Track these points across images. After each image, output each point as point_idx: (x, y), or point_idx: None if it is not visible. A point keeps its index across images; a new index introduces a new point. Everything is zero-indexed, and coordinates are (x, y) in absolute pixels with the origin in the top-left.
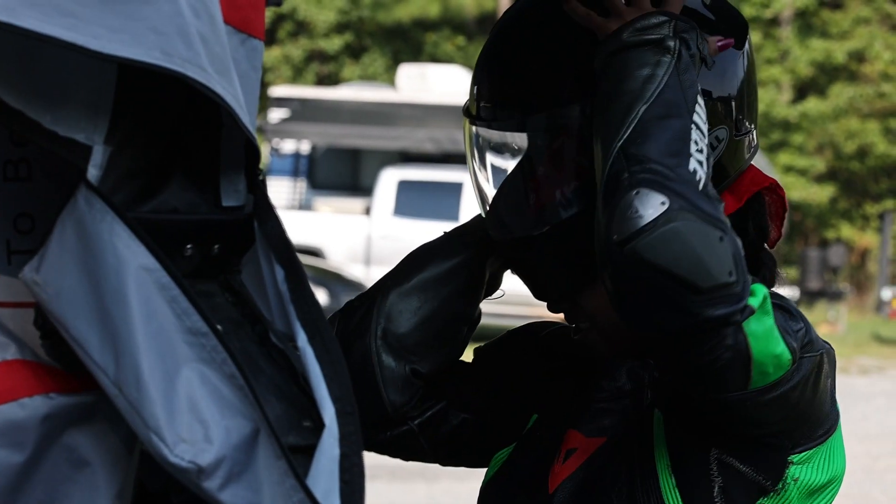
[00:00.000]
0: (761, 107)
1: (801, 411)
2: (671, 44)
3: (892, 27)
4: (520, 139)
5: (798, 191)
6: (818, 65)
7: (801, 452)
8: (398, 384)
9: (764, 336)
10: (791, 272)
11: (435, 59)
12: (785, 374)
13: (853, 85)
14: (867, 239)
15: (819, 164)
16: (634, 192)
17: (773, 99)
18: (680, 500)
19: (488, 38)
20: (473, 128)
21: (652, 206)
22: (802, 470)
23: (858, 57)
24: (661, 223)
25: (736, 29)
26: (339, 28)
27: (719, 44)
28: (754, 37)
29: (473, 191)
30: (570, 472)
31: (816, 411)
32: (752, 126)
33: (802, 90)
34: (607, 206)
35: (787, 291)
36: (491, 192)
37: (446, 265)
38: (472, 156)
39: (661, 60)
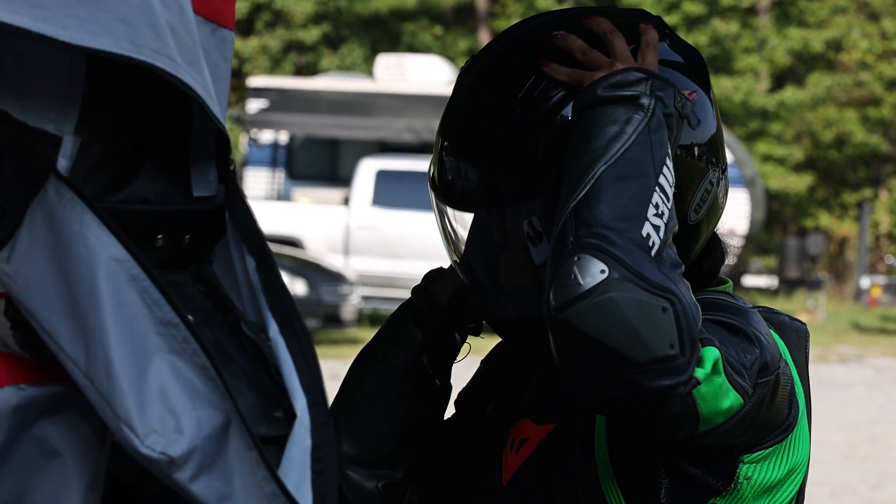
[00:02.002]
0: (739, 96)
1: (756, 427)
2: (646, 101)
3: (870, 16)
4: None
5: (776, 180)
6: (796, 54)
7: (754, 452)
8: None
9: (713, 396)
10: (770, 261)
11: (413, 49)
12: (734, 414)
13: (831, 74)
14: (846, 227)
15: (797, 153)
16: (576, 257)
17: (751, 88)
18: (623, 501)
19: (450, 102)
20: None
21: (591, 273)
22: (756, 469)
23: (836, 46)
24: (598, 293)
25: (699, 68)
26: (317, 18)
27: (690, 97)
28: (732, 26)
29: (446, 248)
30: (522, 463)
31: (772, 421)
32: (724, 163)
33: (780, 79)
34: (551, 268)
35: (766, 280)
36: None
37: (385, 373)
38: (443, 226)
39: (632, 118)
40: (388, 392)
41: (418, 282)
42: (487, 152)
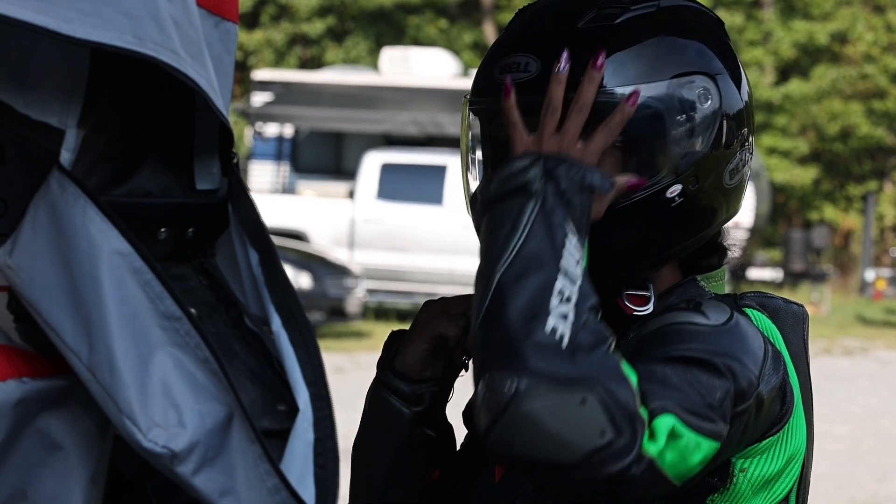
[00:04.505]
0: None
1: (745, 441)
2: (535, 187)
3: (875, 8)
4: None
5: (781, 172)
6: (801, 46)
7: (748, 447)
8: None
9: (680, 458)
10: (774, 254)
11: (418, 42)
12: (713, 456)
13: (836, 66)
14: (850, 220)
15: (802, 146)
16: (486, 374)
17: (756, 81)
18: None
19: (508, 25)
20: (471, 115)
21: (498, 391)
22: (753, 462)
23: (841, 38)
24: (510, 410)
25: (738, 73)
26: (322, 12)
27: (629, 184)
28: (737, 19)
29: (462, 178)
30: None
31: (763, 425)
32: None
33: (785, 72)
34: (475, 384)
35: (771, 273)
36: (476, 182)
37: (388, 458)
38: (467, 142)
39: (523, 208)
40: (399, 474)
41: (423, 276)
42: (553, 44)
